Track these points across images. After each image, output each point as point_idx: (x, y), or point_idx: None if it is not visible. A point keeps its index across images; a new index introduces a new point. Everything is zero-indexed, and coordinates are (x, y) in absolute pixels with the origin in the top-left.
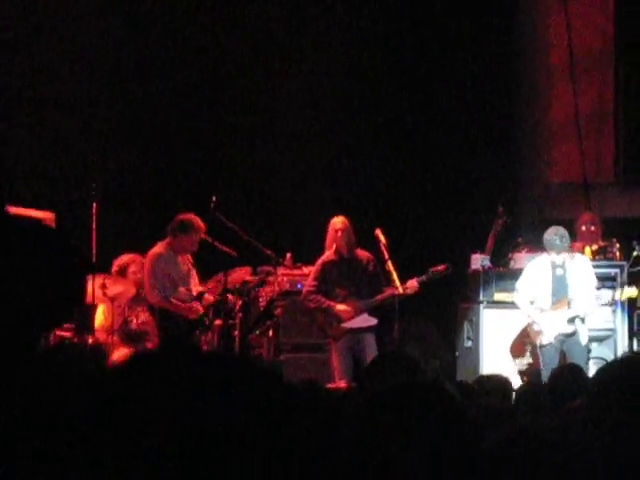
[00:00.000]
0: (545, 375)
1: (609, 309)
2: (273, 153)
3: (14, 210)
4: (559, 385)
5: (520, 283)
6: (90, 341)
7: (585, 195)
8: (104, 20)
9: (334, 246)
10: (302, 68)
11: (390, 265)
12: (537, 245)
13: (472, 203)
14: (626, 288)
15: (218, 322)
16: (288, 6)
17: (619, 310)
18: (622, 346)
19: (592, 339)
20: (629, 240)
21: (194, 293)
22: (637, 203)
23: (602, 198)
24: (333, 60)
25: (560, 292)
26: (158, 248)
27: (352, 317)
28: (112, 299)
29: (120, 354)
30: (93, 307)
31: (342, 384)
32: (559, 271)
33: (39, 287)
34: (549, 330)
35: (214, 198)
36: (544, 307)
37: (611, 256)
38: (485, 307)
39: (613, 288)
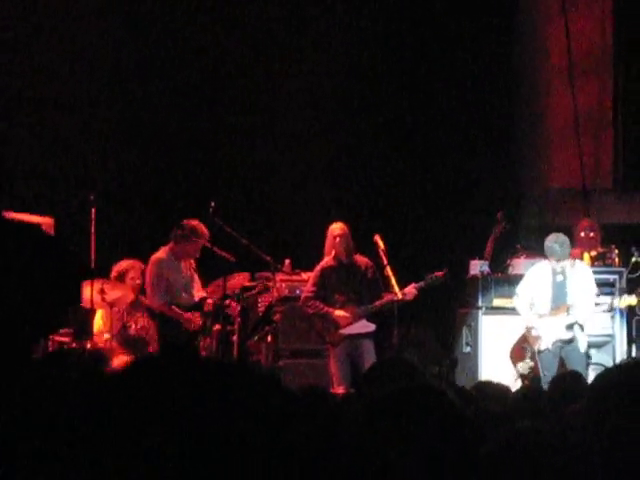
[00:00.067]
0: (544, 380)
1: (608, 315)
2: (273, 153)
3: (12, 215)
4: (559, 391)
5: (520, 288)
6: (89, 346)
7: (584, 201)
8: (104, 20)
9: (333, 252)
10: (302, 68)
11: (389, 271)
12: (536, 251)
13: (472, 203)
14: (626, 297)
15: (217, 328)
16: (288, 6)
17: (618, 316)
18: (621, 352)
19: (591, 345)
20: (628, 246)
21: (196, 299)
22: (636, 209)
23: (601, 204)
24: (333, 60)
25: (560, 298)
26: (161, 253)
27: (350, 323)
28: (111, 304)
29: (120, 361)
30: (92, 312)
31: (340, 390)
32: (559, 277)
33: (35, 292)
34: (547, 336)
35: (213, 203)
36: (543, 313)
37: (610, 262)
38: (484, 313)
39: (612, 294)
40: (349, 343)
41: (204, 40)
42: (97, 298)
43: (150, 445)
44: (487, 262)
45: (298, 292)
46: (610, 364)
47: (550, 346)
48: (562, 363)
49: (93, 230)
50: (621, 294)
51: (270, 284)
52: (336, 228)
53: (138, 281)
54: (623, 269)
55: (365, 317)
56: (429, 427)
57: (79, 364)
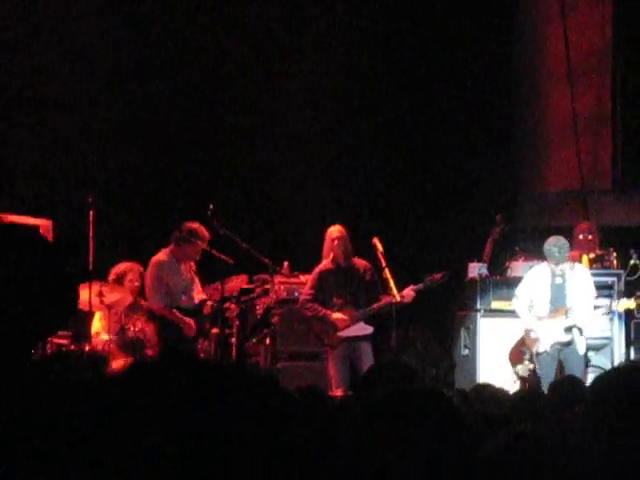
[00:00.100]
0: (542, 383)
1: (606, 318)
2: (273, 153)
3: (11, 218)
4: (558, 395)
5: (520, 290)
6: (87, 349)
7: (583, 203)
8: (104, 20)
9: (331, 255)
10: (302, 68)
11: (387, 273)
12: (534, 253)
13: (471, 205)
14: (624, 300)
15: (215, 330)
16: (288, 6)
17: (616, 319)
18: (619, 355)
19: (589, 347)
20: (626, 248)
21: (196, 301)
22: (634, 211)
23: (599, 206)
24: (333, 60)
25: (558, 301)
26: (161, 255)
27: (348, 326)
28: (109, 307)
29: (118, 364)
30: (90, 315)
31: (339, 392)
32: (558, 280)
33: (32, 295)
34: (545, 338)
35: (211, 206)
36: (542, 315)
37: (608, 264)
38: (482, 315)
39: (610, 297)
40: (347, 346)
41: (204, 40)
42: (95, 301)
43: (150, 445)
44: (485, 264)
45: (296, 294)
46: (608, 367)
47: (548, 349)
48: (561, 366)
49: (92, 233)
50: (619, 296)
51: (268, 286)
52: (334, 231)
53: (137, 283)
54: (621, 271)
55: (363, 320)
56: (427, 429)
57: (77, 366)
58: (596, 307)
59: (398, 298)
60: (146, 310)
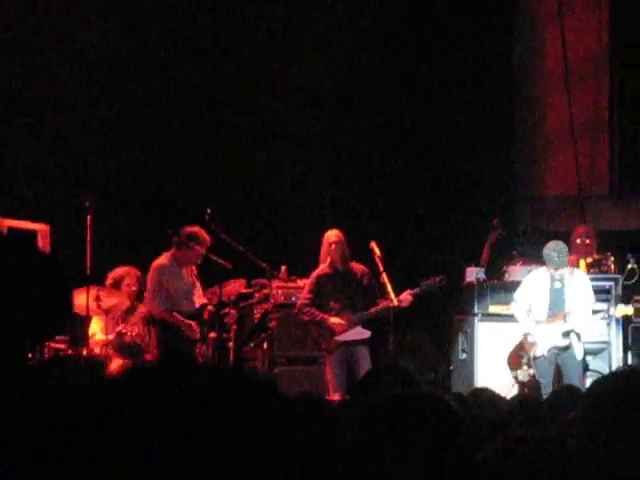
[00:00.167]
0: (540, 387)
1: (604, 322)
2: (273, 153)
3: (9, 222)
4: (557, 403)
5: (518, 294)
6: (84, 353)
7: (580, 208)
8: (104, 20)
9: (328, 259)
10: (302, 68)
11: (385, 277)
12: (532, 258)
13: (471, 205)
14: (622, 306)
15: (213, 335)
16: (288, 6)
17: (614, 323)
18: (617, 359)
19: (587, 352)
20: (624, 253)
21: (197, 305)
22: (632, 216)
23: (597, 211)
24: (333, 60)
25: (557, 305)
26: (162, 259)
27: (346, 330)
28: (106, 311)
29: (116, 364)
30: (87, 319)
31: (336, 397)
32: (557, 285)
33: (26, 300)
34: (543, 342)
35: (209, 210)
36: (540, 319)
37: (606, 269)
38: (480, 320)
39: (607, 301)
40: (345, 350)
41: (204, 40)
42: (93, 305)
43: (150, 446)
44: (483, 269)
45: (294, 299)
46: (606, 371)
47: (546, 353)
48: (558, 370)
49: (89, 237)
50: (617, 301)
51: (267, 291)
52: (332, 235)
53: (134, 288)
54: (619, 276)
55: (360, 324)
56: (425, 434)
57: (75, 370)
58: (595, 312)
59: (395, 302)
60: (144, 314)
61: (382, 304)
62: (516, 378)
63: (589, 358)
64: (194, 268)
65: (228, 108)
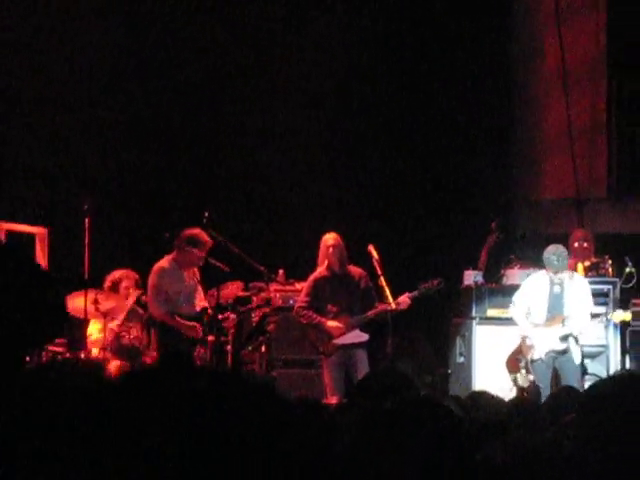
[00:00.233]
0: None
1: (602, 326)
2: (273, 153)
3: (7, 225)
4: (555, 405)
5: (517, 296)
6: (82, 356)
7: (578, 211)
8: (104, 20)
9: (326, 262)
10: (302, 68)
11: (383, 281)
12: (530, 261)
13: (469, 207)
14: (620, 311)
15: (211, 338)
16: (288, 6)
17: (612, 327)
18: (614, 362)
19: (585, 355)
20: (621, 256)
21: (197, 309)
22: (630, 219)
23: (595, 214)
24: (333, 60)
25: (556, 309)
26: (163, 262)
27: (344, 333)
28: (104, 314)
29: (114, 367)
30: (85, 322)
31: (334, 400)
32: (557, 288)
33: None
34: (540, 346)
35: (206, 213)
36: (538, 322)
37: (603, 272)
38: (478, 323)
39: (605, 304)
40: (342, 353)
41: (204, 40)
42: (91, 308)
43: (149, 446)
44: (481, 272)
45: (292, 302)
46: (604, 374)
47: (543, 356)
48: (556, 374)
49: (87, 240)
50: (615, 304)
51: (264, 294)
52: (329, 238)
53: (132, 290)
54: (617, 279)
55: (358, 327)
56: (422, 437)
57: (73, 373)
58: (594, 315)
59: (393, 305)
60: (142, 317)
61: (380, 307)
62: (515, 381)
63: (587, 361)
64: (197, 271)
65: (228, 108)
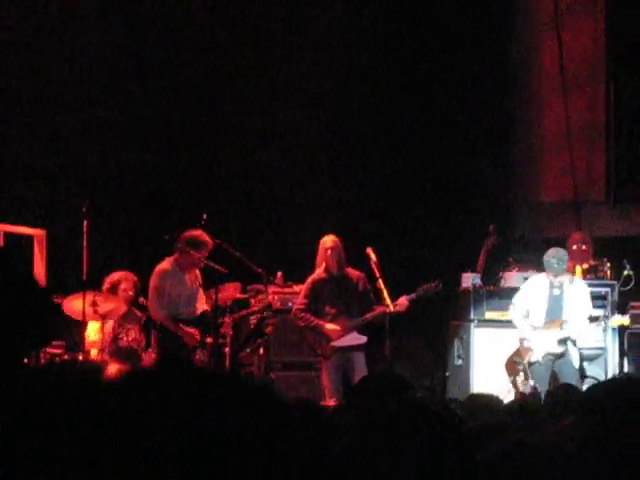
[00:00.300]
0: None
1: (600, 328)
2: (273, 153)
3: (5, 227)
4: (553, 403)
5: (517, 298)
6: (81, 358)
7: (576, 214)
8: (104, 20)
9: (324, 264)
10: (302, 68)
11: (381, 283)
12: (528, 264)
13: (468, 207)
14: (618, 316)
15: (209, 340)
16: (288, 6)
17: (610, 329)
18: (613, 365)
19: (583, 358)
20: (620, 259)
21: (198, 312)
22: (628, 222)
23: (593, 217)
24: (333, 60)
25: (555, 312)
26: (165, 264)
27: (342, 335)
28: (103, 316)
29: (112, 369)
30: (84, 324)
31: (332, 402)
32: (556, 292)
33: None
34: (538, 348)
35: (204, 216)
36: (537, 325)
37: (602, 275)
38: (476, 326)
39: (604, 307)
40: (340, 355)
41: (204, 40)
42: (89, 310)
43: (149, 446)
44: (479, 275)
45: (290, 304)
46: (602, 377)
47: (540, 359)
48: (555, 377)
49: (86, 243)
50: (613, 307)
51: (262, 297)
52: (328, 240)
53: (130, 292)
54: (615, 282)
55: (356, 329)
56: (420, 440)
57: (71, 376)
58: (593, 318)
59: (392, 308)
60: (140, 319)
61: (378, 310)
62: (513, 383)
63: (585, 364)
64: (198, 274)
65: (228, 108)
